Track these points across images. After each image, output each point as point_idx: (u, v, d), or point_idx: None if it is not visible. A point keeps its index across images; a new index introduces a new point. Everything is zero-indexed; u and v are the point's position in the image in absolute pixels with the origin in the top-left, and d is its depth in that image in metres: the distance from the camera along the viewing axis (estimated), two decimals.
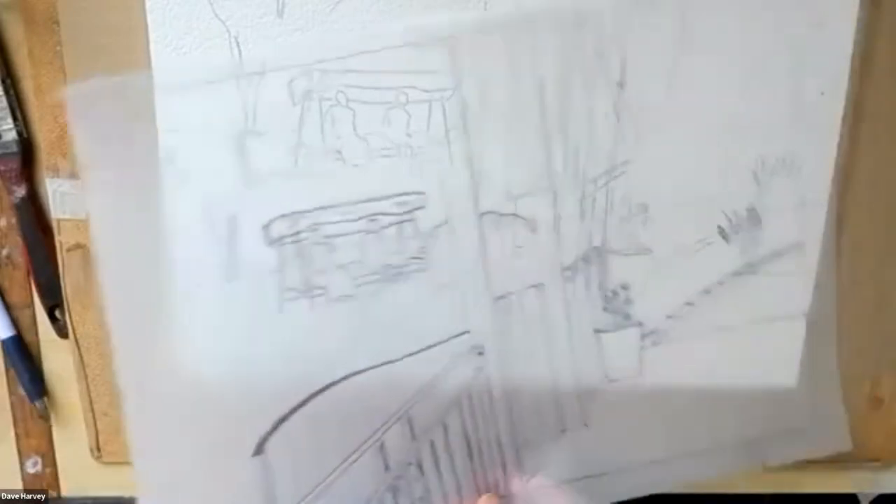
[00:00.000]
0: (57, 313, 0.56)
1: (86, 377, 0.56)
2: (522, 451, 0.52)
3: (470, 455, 0.52)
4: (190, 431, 0.49)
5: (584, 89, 0.50)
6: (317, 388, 0.50)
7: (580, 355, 0.52)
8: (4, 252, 0.56)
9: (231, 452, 0.49)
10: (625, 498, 0.52)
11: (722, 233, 0.52)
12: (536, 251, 0.51)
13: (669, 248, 0.52)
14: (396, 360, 0.51)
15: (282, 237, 0.48)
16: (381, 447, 0.51)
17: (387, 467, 0.51)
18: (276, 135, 0.48)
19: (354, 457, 0.51)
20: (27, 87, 0.53)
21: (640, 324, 0.53)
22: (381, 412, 0.51)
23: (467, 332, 0.51)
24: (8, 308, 0.57)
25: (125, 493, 0.61)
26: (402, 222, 0.50)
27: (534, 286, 0.52)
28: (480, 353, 0.52)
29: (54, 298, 0.55)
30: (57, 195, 0.53)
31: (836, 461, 0.54)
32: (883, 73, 0.51)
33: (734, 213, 0.52)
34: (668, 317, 0.53)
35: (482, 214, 0.51)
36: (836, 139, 0.51)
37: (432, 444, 0.52)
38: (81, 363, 0.56)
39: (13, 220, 0.55)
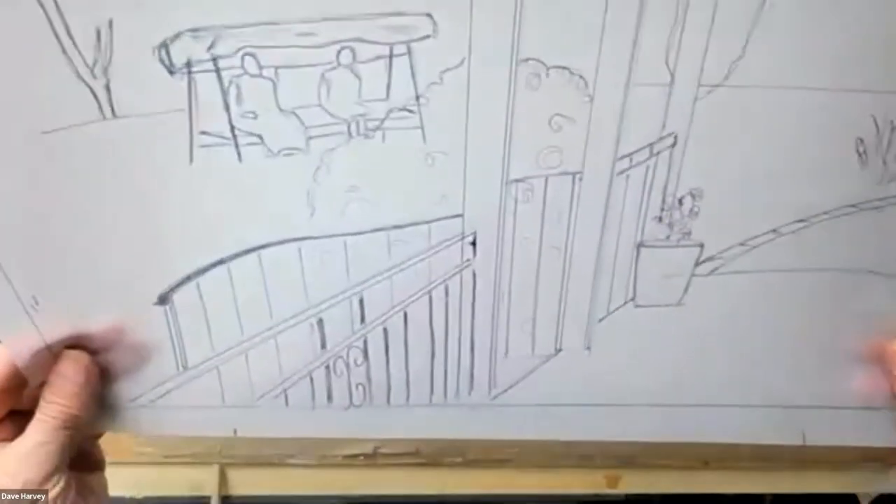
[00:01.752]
0: None
1: None
2: (499, 361, 0.42)
3: (432, 353, 0.42)
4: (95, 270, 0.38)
5: None
6: (243, 247, 0.37)
7: (606, 268, 0.39)
8: None
9: (134, 299, 0.38)
10: (619, 438, 0.43)
11: (860, 147, 0.36)
12: (587, 126, 0.35)
13: (780, 152, 0.36)
14: (353, 234, 0.38)
15: (190, 63, 0.31)
16: (320, 323, 0.41)
17: (323, 345, 0.41)
18: None
19: (281, 327, 0.41)
20: None
21: (700, 245, 0.39)
22: (324, 287, 0.39)
23: (460, 215, 0.38)
24: None
25: (125, 493, 0.60)
26: (392, 56, 0.33)
27: (569, 173, 0.37)
28: (472, 244, 0.39)
29: None
30: None
31: (836, 461, 0.50)
32: None
33: (890, 125, 0.35)
34: (742, 243, 0.39)
35: (521, 61, 0.34)
36: None
37: (385, 332, 0.41)
38: None
39: None
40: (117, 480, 0.63)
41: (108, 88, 0.31)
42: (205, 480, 0.60)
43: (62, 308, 0.38)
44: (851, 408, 0.43)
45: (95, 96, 0.31)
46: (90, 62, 0.30)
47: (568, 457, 0.58)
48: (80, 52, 0.30)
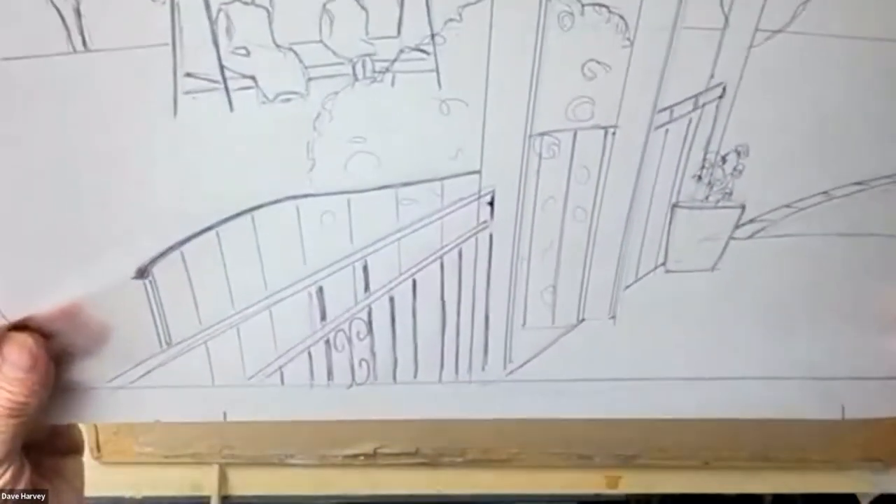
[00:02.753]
0: None
1: None
2: (515, 333, 0.38)
3: (442, 323, 0.38)
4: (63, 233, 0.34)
5: None
6: (234, 210, 0.34)
7: (637, 231, 0.36)
8: None
9: (109, 273, 0.34)
10: (664, 415, 0.40)
11: None
12: (625, 74, 0.31)
13: (842, 107, 0.32)
14: (357, 192, 0.34)
15: None
16: (320, 292, 0.38)
17: (323, 316, 0.38)
18: None
19: (276, 298, 0.37)
20: None
21: (741, 206, 0.35)
22: (325, 251, 0.35)
23: (477, 171, 0.34)
24: None
25: (125, 493, 0.60)
26: None
27: (602, 127, 0.33)
28: (489, 204, 0.35)
29: None
30: None
31: (836, 461, 0.52)
32: None
33: None
34: (787, 205, 0.35)
35: None
36: None
37: (391, 302, 0.38)
38: None
39: None
40: (117, 480, 0.63)
41: (77, 12, 0.27)
42: (205, 480, 0.60)
43: (27, 278, 0.34)
44: (894, 378, 0.40)
45: (63, 20, 0.27)
46: None
47: (568, 457, 0.58)
48: None
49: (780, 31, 0.30)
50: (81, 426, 0.44)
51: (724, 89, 0.32)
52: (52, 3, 0.27)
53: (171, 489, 0.60)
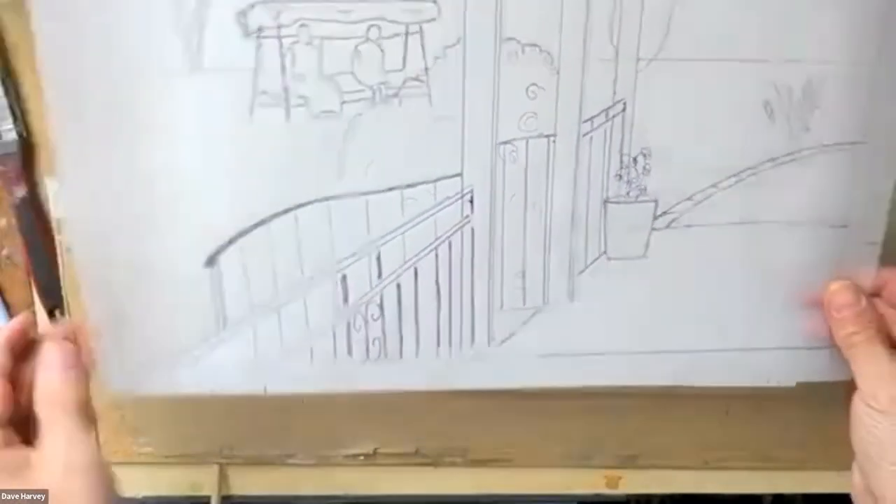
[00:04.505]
0: (57, 313, 0.57)
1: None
2: (495, 314, 0.50)
3: (438, 307, 0.50)
4: (142, 235, 0.47)
5: None
6: (283, 207, 0.47)
7: (581, 224, 0.49)
8: (4, 252, 0.57)
9: (182, 261, 0.47)
10: (620, 382, 0.50)
11: (768, 108, 0.47)
12: (555, 94, 0.46)
13: (705, 114, 0.47)
14: (374, 193, 0.48)
15: (261, 29, 0.43)
16: (344, 279, 0.49)
17: (346, 300, 0.50)
18: None
19: (310, 283, 0.49)
20: (27, 87, 0.52)
21: (654, 201, 0.49)
22: (348, 243, 0.48)
23: (459, 174, 0.48)
24: (8, 308, 0.58)
25: (124, 494, 0.60)
26: (407, 34, 0.45)
27: (545, 136, 0.47)
28: (470, 201, 0.49)
29: (54, 298, 0.56)
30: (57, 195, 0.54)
31: (836, 461, 0.54)
32: None
33: (787, 87, 0.47)
34: (689, 198, 0.49)
35: (503, 40, 0.45)
36: None
37: (398, 287, 0.50)
38: None
39: (13, 220, 0.55)
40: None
41: (196, 39, 0.43)
42: (205, 480, 0.61)
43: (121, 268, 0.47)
44: (806, 348, 0.50)
45: (187, 45, 0.43)
46: (190, 21, 0.42)
47: (568, 457, 0.60)
48: (181, 14, 0.42)
49: (653, 58, 0.46)
50: None
51: (624, 104, 0.47)
52: (177, 32, 0.42)
53: (171, 489, 0.61)
